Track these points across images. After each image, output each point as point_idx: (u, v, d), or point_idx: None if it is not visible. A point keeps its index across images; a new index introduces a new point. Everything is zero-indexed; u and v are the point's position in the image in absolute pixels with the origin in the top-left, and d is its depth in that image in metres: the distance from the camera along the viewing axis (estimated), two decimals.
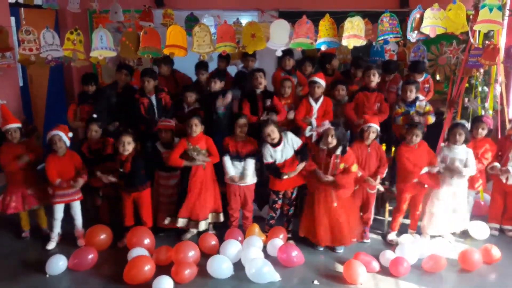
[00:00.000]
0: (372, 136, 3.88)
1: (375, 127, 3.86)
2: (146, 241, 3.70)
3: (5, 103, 3.94)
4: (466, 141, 3.87)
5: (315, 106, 4.34)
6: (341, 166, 3.67)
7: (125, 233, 3.84)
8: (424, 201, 4.06)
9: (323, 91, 4.37)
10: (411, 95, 4.31)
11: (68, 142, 3.80)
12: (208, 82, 4.47)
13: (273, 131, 3.73)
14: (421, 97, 4.43)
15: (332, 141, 3.62)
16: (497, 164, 4.03)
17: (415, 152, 3.87)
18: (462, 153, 3.87)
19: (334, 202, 3.70)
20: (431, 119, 4.34)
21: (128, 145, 3.72)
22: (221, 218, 4.07)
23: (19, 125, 3.88)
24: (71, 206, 3.89)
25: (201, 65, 4.87)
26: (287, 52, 4.59)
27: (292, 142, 3.82)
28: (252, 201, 4.07)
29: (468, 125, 4.16)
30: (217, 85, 4.41)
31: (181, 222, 3.91)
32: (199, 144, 3.85)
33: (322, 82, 4.32)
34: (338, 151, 3.65)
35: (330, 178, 3.66)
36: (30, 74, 5.65)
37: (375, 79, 4.41)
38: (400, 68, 5.92)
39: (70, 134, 3.83)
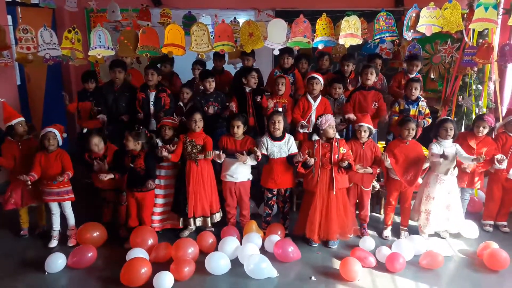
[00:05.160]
0: (364, 134, 3.91)
1: (366, 126, 3.89)
2: (150, 241, 3.72)
3: (5, 100, 3.94)
4: (454, 136, 3.91)
5: (314, 104, 4.38)
6: (341, 150, 3.75)
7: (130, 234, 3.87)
8: (418, 200, 4.11)
9: (321, 89, 4.41)
10: (416, 92, 4.37)
11: (60, 141, 3.83)
12: (202, 82, 4.47)
13: (280, 121, 3.79)
14: (422, 97, 4.48)
15: (334, 132, 3.74)
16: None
17: (405, 148, 3.90)
18: (451, 147, 3.90)
19: (333, 191, 3.74)
20: (430, 121, 4.44)
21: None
22: (215, 219, 4.06)
23: (23, 118, 3.90)
24: (62, 206, 3.89)
25: (198, 61, 4.98)
26: (286, 51, 4.62)
27: (290, 145, 3.86)
28: (248, 198, 4.10)
29: (462, 123, 4.19)
30: (212, 85, 4.46)
31: (194, 222, 3.98)
32: (196, 139, 3.87)
33: (320, 78, 4.36)
34: (337, 135, 3.77)
35: (345, 163, 3.70)
36: (27, 72, 5.66)
37: (372, 77, 4.45)
38: (395, 67, 5.99)
39: (65, 135, 3.85)
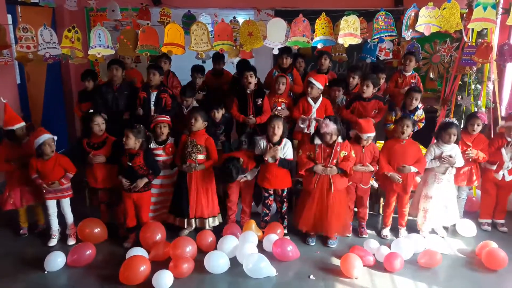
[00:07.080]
0: (368, 141, 3.92)
1: (372, 136, 3.89)
2: (158, 236, 3.74)
3: (7, 101, 3.91)
4: (457, 141, 3.91)
5: (314, 106, 4.38)
6: (342, 154, 3.73)
7: (129, 234, 3.88)
8: (417, 198, 4.12)
9: (319, 93, 4.39)
10: (415, 103, 4.35)
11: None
12: (209, 113, 4.40)
13: (279, 127, 3.76)
14: (420, 105, 4.48)
15: (333, 138, 3.67)
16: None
17: (400, 148, 3.89)
18: (451, 150, 3.91)
19: (331, 190, 3.72)
20: (421, 125, 4.44)
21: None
22: (216, 222, 4.08)
23: (24, 123, 3.86)
24: (60, 203, 3.89)
25: (198, 69, 5.01)
26: (285, 50, 4.62)
27: (286, 151, 3.84)
28: (251, 195, 4.12)
29: (461, 122, 4.19)
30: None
31: (192, 223, 4.01)
32: (197, 139, 3.87)
33: (317, 84, 4.31)
34: (339, 139, 3.69)
35: (333, 168, 3.67)
36: (27, 71, 5.65)
37: (368, 90, 4.39)
38: (395, 66, 5.99)
39: (55, 137, 3.79)
